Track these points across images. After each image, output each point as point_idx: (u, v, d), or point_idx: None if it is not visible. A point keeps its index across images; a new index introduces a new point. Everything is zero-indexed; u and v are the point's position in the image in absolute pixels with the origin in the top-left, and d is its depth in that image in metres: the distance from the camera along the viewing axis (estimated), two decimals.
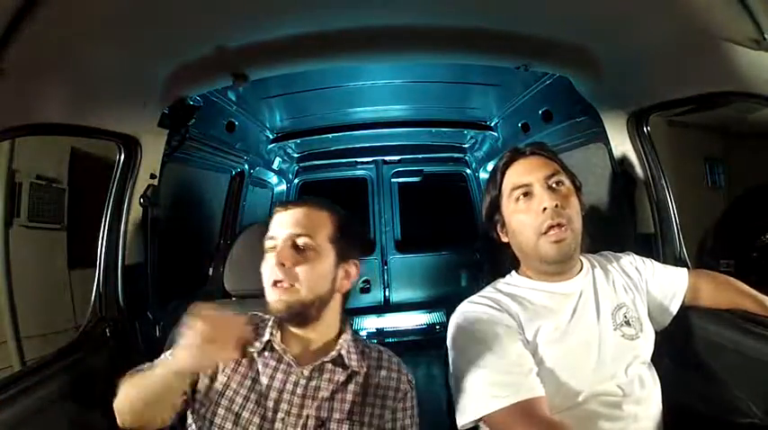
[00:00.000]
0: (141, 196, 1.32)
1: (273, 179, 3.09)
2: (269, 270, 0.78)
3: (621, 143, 1.38)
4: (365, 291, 3.28)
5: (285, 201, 0.82)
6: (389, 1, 1.06)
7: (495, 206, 0.92)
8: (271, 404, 0.77)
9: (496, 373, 0.75)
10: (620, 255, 1.02)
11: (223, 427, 0.75)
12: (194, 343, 0.66)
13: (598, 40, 1.18)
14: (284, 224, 0.79)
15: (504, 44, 1.25)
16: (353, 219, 0.87)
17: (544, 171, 0.86)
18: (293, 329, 0.82)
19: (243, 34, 1.15)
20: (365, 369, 0.81)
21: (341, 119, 2.52)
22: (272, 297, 0.77)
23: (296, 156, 3.11)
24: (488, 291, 0.93)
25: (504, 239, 0.93)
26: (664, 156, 1.33)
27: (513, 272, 0.95)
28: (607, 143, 1.42)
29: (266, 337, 0.82)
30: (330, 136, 2.67)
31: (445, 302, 3.17)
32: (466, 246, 3.16)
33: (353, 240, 0.85)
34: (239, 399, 0.77)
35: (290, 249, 0.77)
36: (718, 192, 1.75)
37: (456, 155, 3.29)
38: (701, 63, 1.02)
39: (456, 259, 3.23)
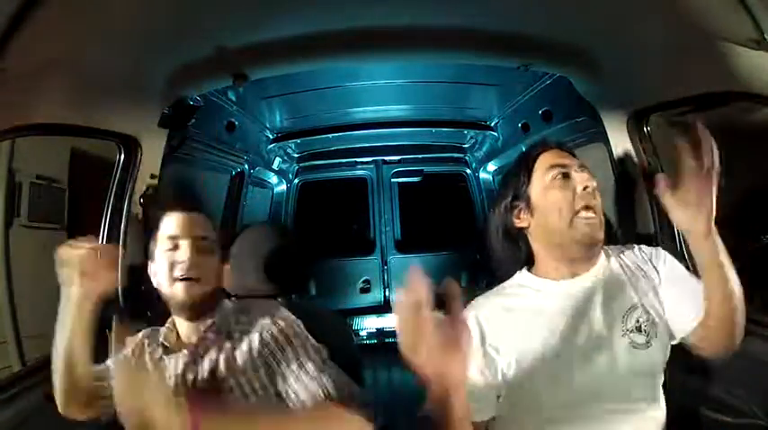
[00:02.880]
0: (141, 196, 1.32)
1: (273, 179, 3.09)
2: (175, 268, 0.86)
3: (621, 143, 1.38)
4: (365, 291, 3.28)
5: (175, 202, 0.93)
6: (390, 1, 1.06)
7: (522, 188, 0.88)
8: (183, 390, 0.85)
9: None
10: (643, 248, 0.93)
11: None
12: (72, 274, 0.84)
13: (598, 40, 1.19)
14: (187, 225, 0.90)
15: (504, 44, 1.25)
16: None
17: (576, 161, 0.88)
18: (186, 323, 0.90)
19: (243, 34, 1.15)
20: (241, 329, 0.88)
21: (341, 119, 2.52)
22: (180, 290, 0.85)
23: (296, 156, 3.12)
24: (495, 293, 0.90)
25: (524, 224, 0.89)
26: (664, 157, 1.33)
27: (524, 270, 0.91)
28: (607, 143, 1.41)
29: (161, 340, 0.91)
30: (330, 136, 2.67)
31: (445, 302, 3.16)
32: (466, 246, 3.16)
33: (225, 247, 1.00)
34: None
35: (194, 249, 0.87)
36: (718, 192, 1.75)
37: (456, 155, 3.29)
38: (701, 63, 1.02)
39: (456, 259, 3.23)
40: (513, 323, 0.83)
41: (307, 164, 3.21)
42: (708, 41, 0.95)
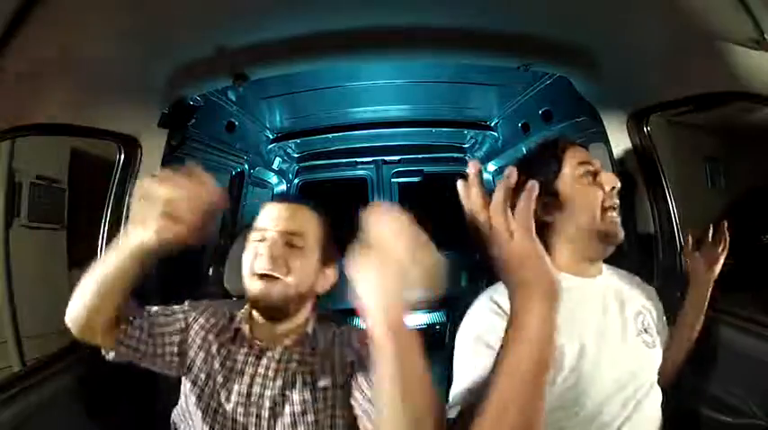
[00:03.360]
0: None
1: (273, 179, 3.09)
2: (256, 260, 0.79)
3: (621, 143, 1.38)
4: None
5: (280, 196, 0.83)
6: (390, 1, 1.06)
7: (550, 179, 0.86)
8: (244, 389, 0.79)
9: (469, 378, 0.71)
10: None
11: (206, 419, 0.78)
12: (151, 214, 0.63)
13: (598, 40, 1.18)
14: (278, 218, 0.81)
15: (504, 44, 1.25)
16: (333, 226, 0.90)
17: (599, 161, 0.89)
18: (265, 321, 0.84)
19: (243, 34, 1.15)
20: (326, 345, 0.84)
21: (341, 119, 2.52)
22: (257, 287, 0.79)
23: (296, 156, 3.11)
24: None
25: (549, 219, 0.86)
26: (664, 157, 1.33)
27: None
28: (607, 143, 1.42)
29: (235, 326, 0.85)
30: (330, 136, 2.67)
31: (445, 302, 3.17)
32: (466, 246, 3.15)
33: (335, 245, 0.88)
34: (216, 389, 0.80)
35: (282, 244, 0.79)
36: (718, 192, 1.75)
37: (456, 155, 3.28)
38: (701, 63, 1.02)
39: (456, 259, 3.22)
40: None
41: (307, 164, 3.21)
42: (708, 41, 0.95)
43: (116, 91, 1.13)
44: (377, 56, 1.43)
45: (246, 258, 0.81)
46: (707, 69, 1.02)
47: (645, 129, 1.33)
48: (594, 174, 0.86)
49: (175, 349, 0.84)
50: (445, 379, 1.03)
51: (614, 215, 0.84)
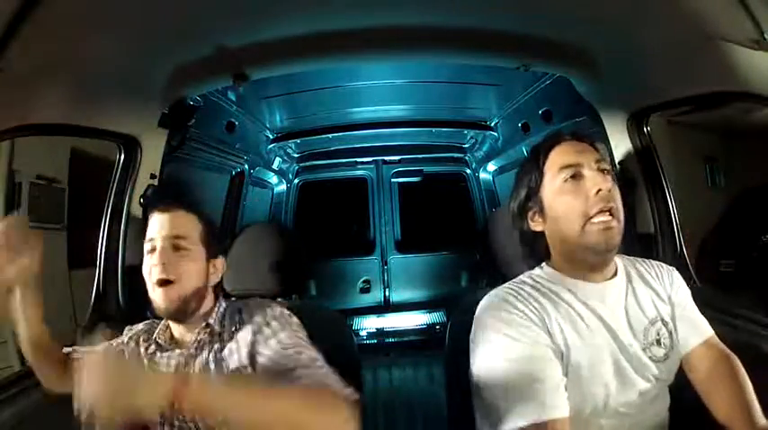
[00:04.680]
0: (141, 196, 1.32)
1: (273, 179, 3.09)
2: (151, 271, 0.85)
3: (621, 143, 1.38)
4: (365, 291, 3.28)
5: (161, 203, 0.90)
6: (390, 1, 1.06)
7: (534, 190, 0.83)
8: None
9: (520, 389, 0.69)
10: (658, 263, 0.92)
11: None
12: None
13: (598, 40, 1.19)
14: (163, 226, 0.87)
15: (504, 44, 1.25)
16: (215, 224, 0.99)
17: (593, 155, 0.80)
18: (177, 325, 0.90)
19: (243, 34, 1.15)
20: (233, 328, 0.88)
21: (341, 119, 2.52)
22: (158, 295, 0.84)
23: (296, 156, 3.12)
24: (521, 286, 0.82)
25: (538, 228, 0.84)
26: (664, 156, 1.33)
27: (544, 264, 0.86)
28: (607, 143, 1.42)
29: (155, 337, 0.92)
30: (330, 136, 2.68)
31: (445, 302, 3.17)
32: (466, 246, 3.16)
33: (218, 240, 0.96)
34: None
35: (170, 250, 0.86)
36: (718, 192, 1.75)
37: (456, 155, 3.29)
38: (701, 63, 1.02)
39: (456, 259, 3.23)
40: (558, 318, 0.77)
41: (307, 164, 3.21)
42: (708, 41, 0.95)
43: (116, 91, 1.13)
44: (377, 56, 1.43)
45: (145, 272, 0.86)
46: (707, 69, 1.02)
47: (645, 129, 1.33)
48: (579, 177, 0.78)
49: None
50: (445, 379, 1.03)
51: (604, 220, 0.75)
